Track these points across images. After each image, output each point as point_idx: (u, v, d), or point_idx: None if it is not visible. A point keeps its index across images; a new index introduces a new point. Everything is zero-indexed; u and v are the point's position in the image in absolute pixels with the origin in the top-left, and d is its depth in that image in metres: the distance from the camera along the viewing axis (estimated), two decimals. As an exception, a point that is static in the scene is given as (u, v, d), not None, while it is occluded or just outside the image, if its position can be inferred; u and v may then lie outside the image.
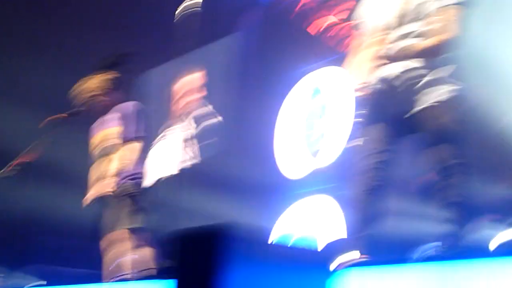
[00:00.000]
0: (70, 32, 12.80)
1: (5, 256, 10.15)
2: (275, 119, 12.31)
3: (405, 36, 5.04)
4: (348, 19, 12.20)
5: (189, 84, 9.42)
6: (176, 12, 5.83)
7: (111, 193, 7.47)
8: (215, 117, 8.99)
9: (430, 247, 8.58)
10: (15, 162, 8.33)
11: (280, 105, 12.30)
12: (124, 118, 7.62)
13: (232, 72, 13.34)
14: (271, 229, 11.61)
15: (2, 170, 8.48)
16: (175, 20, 5.89)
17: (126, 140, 7.56)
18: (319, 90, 11.84)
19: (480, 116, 10.69)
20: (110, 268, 7.62)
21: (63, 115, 7.91)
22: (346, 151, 10.11)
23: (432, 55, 5.02)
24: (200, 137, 10.58)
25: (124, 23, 12.60)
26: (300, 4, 12.78)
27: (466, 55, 5.42)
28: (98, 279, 7.47)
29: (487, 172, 9.99)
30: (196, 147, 8.99)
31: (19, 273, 10.59)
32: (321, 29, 12.53)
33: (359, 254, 5.02)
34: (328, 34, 12.49)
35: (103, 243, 7.67)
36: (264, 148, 12.26)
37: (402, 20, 5.04)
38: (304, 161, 11.60)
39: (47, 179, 10.74)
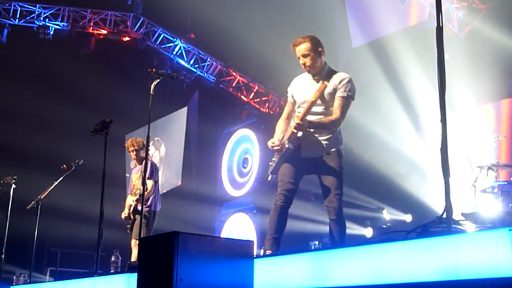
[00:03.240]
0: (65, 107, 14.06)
1: (28, 261, 11.29)
2: (220, 159, 14.22)
3: (312, 113, 5.30)
4: (269, 92, 14.53)
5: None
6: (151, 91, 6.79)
7: (131, 214, 8.56)
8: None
9: (315, 242, 10.07)
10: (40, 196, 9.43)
11: (221, 151, 14.23)
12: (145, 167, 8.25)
13: (185, 133, 15.52)
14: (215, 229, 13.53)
15: (30, 205, 9.43)
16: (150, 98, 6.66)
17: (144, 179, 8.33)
18: (248, 141, 13.62)
19: (352, 159, 12.97)
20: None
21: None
22: (263, 182, 10.77)
23: (326, 127, 5.32)
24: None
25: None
26: (235, 81, 14.82)
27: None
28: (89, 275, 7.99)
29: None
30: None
31: (37, 273, 12.19)
32: (249, 99, 14.69)
33: (270, 248, 5.30)
34: (253, 103, 14.67)
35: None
36: (214, 176, 14.30)
37: (313, 101, 5.27)
38: (238, 186, 13.47)
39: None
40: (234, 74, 15.00)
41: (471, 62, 10.35)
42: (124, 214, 8.74)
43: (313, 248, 9.30)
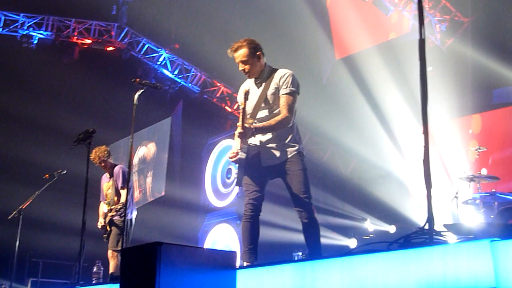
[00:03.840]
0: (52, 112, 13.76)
1: (9, 271, 11.23)
2: (204, 169, 14.13)
3: (260, 119, 5.22)
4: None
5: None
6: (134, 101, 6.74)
7: (107, 226, 8.46)
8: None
9: (299, 253, 10.78)
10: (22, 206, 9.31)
11: (205, 161, 14.18)
12: (115, 176, 8.57)
13: (169, 143, 15.51)
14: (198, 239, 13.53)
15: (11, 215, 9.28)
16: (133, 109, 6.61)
17: (117, 189, 8.55)
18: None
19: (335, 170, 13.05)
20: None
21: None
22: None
23: (275, 129, 5.18)
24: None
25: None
26: (219, 92, 14.87)
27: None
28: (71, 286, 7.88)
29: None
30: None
31: (18, 284, 11.85)
32: (233, 110, 14.66)
33: (247, 261, 5.20)
34: (237, 113, 14.10)
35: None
36: (198, 186, 14.24)
37: (259, 107, 5.24)
38: (222, 197, 13.37)
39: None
40: (218, 84, 15.03)
41: (453, 74, 10.43)
42: (100, 224, 8.66)
43: (296, 258, 9.26)
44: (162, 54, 14.80)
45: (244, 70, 5.42)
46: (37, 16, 14.26)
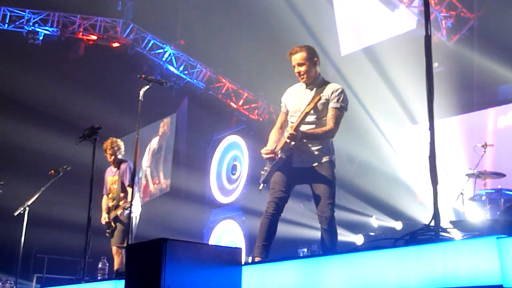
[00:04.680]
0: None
1: (14, 267, 11.02)
2: (209, 165, 14.29)
3: (305, 123, 5.30)
4: (258, 99, 14.51)
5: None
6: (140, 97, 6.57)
7: (112, 222, 8.45)
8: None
9: (304, 250, 10.13)
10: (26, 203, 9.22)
11: (210, 157, 14.32)
12: (122, 172, 8.52)
13: (174, 139, 15.53)
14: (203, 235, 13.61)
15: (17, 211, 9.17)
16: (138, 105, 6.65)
17: (124, 185, 8.48)
18: (237, 148, 13.68)
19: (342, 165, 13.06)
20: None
21: None
22: (252, 189, 11.35)
23: (320, 138, 5.35)
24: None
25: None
26: (225, 88, 14.79)
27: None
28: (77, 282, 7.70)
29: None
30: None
31: (23, 280, 12.05)
32: (239, 106, 14.65)
33: (259, 256, 5.25)
34: (242, 109, 14.64)
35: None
36: (203, 183, 14.35)
37: (308, 112, 5.27)
38: (227, 193, 13.55)
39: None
40: (224, 80, 14.99)
41: (459, 71, 10.35)
42: (104, 220, 8.66)
43: (301, 255, 9.19)
44: (167, 50, 14.79)
45: (299, 72, 5.54)
46: (43, 12, 14.30)
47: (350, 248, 5.95)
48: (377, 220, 11.05)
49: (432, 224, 3.71)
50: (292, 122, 5.49)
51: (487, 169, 8.42)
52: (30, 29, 14.23)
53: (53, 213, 12.83)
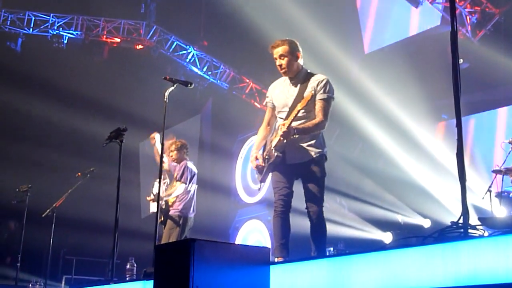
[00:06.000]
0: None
1: (43, 269, 11.59)
2: (234, 165, 14.39)
3: (295, 118, 5.27)
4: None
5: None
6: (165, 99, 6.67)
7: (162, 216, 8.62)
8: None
9: (330, 249, 10.68)
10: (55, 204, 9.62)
11: (235, 157, 14.43)
12: (179, 167, 8.75)
13: (199, 140, 15.58)
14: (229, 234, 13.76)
15: (45, 213, 9.54)
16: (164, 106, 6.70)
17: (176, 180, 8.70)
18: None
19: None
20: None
21: None
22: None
23: (311, 131, 5.34)
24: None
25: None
26: (248, 88, 14.93)
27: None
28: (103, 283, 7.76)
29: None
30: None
31: (52, 282, 12.02)
32: (262, 106, 14.03)
33: (279, 255, 5.28)
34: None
35: None
36: (228, 183, 14.51)
37: (300, 110, 5.25)
38: (252, 193, 13.67)
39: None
40: (247, 81, 15.03)
41: (485, 67, 10.29)
42: (149, 198, 8.83)
43: (328, 254, 9.27)
44: (190, 51, 14.85)
45: (280, 65, 5.56)
46: (67, 16, 14.44)
47: (379, 246, 5.86)
48: (403, 217, 10.99)
49: (461, 221, 3.68)
50: (280, 118, 5.56)
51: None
52: (55, 33, 14.35)
53: (81, 215, 12.92)
